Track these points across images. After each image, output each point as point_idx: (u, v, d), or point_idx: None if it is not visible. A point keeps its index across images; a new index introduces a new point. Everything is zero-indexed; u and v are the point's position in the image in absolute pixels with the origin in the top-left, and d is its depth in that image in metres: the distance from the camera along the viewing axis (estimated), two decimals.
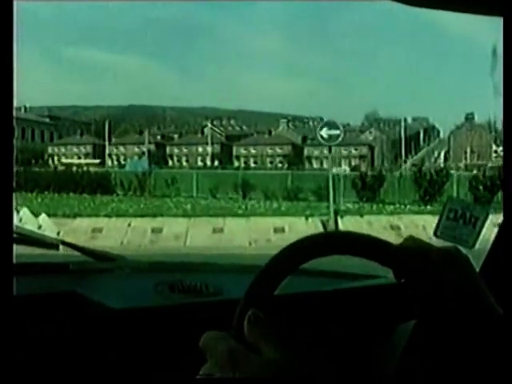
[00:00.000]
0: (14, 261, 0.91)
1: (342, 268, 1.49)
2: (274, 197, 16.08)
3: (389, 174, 18.63)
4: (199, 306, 1.32)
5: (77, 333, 1.20)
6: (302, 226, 12.66)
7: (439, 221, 1.10)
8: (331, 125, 13.31)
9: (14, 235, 1.35)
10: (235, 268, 1.71)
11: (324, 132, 13.21)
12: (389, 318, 1.03)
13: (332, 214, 12.93)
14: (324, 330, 1.19)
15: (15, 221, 1.66)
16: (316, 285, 1.42)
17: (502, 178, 1.12)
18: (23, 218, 1.89)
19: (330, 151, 13.99)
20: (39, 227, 1.91)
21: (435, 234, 1.09)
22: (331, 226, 12.72)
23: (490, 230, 1.11)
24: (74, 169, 21.22)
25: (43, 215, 2.04)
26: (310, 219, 13.38)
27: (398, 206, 14.84)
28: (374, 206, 14.65)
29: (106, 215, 13.66)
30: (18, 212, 1.88)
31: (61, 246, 1.59)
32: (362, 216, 13.50)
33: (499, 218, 1.10)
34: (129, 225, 13.02)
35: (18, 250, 1.06)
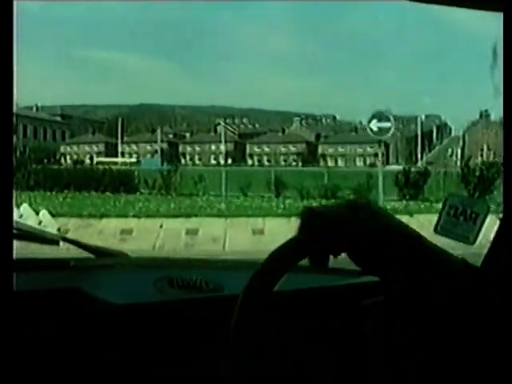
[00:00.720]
0: (15, 257, 0.90)
1: (344, 264, 1.25)
2: (309, 195, 14.75)
3: (433, 169, 17.33)
4: (199, 302, 1.30)
5: (78, 328, 1.19)
6: None
7: (439, 217, 1.10)
8: (381, 117, 11.93)
9: (15, 231, 1.33)
10: (235, 264, 1.64)
11: (373, 125, 11.86)
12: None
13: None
14: (322, 325, 1.13)
15: (16, 217, 1.31)
16: (315, 281, 1.38)
17: (502, 177, 1.09)
18: (24, 214, 1.51)
19: (380, 145, 12.63)
20: (40, 223, 1.57)
21: (435, 230, 1.08)
22: None
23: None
24: (95, 166, 20.01)
25: (44, 211, 1.98)
26: None
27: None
28: (422, 205, 13.28)
29: (134, 215, 12.37)
30: (18, 208, 1.40)
31: (61, 242, 1.54)
32: (411, 215, 12.19)
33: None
34: (161, 226, 11.73)
35: (18, 245, 1.03)
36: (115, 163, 25.06)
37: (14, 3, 0.87)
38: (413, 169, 16.10)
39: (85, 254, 1.51)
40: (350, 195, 14.95)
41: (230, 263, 1.73)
